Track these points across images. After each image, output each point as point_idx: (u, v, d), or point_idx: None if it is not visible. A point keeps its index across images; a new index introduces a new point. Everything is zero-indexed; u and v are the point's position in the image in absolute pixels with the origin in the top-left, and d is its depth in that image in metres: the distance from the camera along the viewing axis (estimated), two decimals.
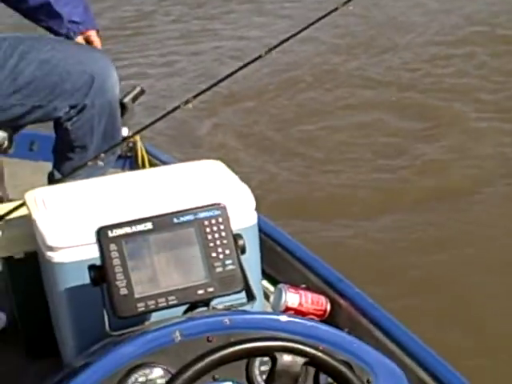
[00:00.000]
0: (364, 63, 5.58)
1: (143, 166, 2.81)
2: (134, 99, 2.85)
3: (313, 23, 2.06)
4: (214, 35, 6.52)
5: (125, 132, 2.82)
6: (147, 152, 2.87)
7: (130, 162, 2.92)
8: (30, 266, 1.91)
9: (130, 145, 2.85)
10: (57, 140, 2.44)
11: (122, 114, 2.80)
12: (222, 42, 6.34)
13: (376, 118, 4.73)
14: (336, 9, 2.09)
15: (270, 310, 2.18)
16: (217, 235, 1.59)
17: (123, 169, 2.93)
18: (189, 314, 1.60)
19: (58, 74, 2.27)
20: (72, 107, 2.29)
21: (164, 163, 2.75)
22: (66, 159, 2.42)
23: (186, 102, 1.95)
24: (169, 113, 1.99)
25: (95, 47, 2.47)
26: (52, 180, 2.42)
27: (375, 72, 5.40)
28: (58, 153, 2.46)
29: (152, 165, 2.80)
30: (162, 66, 5.96)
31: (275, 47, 2.02)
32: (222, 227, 1.60)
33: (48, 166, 2.55)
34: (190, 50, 6.22)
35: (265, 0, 7.17)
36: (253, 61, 2.00)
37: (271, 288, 2.30)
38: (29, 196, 1.83)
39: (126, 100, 2.82)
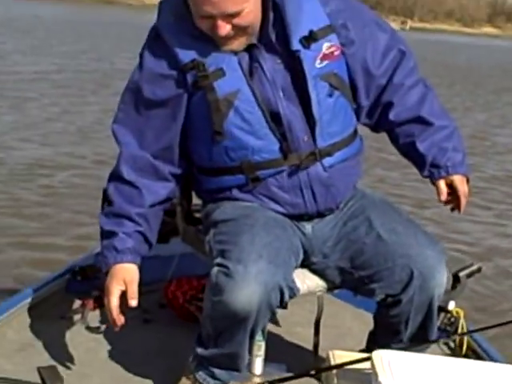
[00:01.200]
0: None
1: (460, 347, 2.67)
2: (469, 275, 2.77)
3: None
4: None
5: (451, 305, 2.73)
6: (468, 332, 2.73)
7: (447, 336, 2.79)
8: None
9: (452, 319, 2.74)
10: (374, 313, 2.37)
11: (454, 287, 2.73)
12: None
13: None
14: None
15: None
16: None
17: None
18: None
19: (385, 259, 2.18)
20: (389, 296, 2.21)
21: (484, 351, 2.60)
22: (381, 334, 2.35)
23: None
24: None
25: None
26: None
27: None
28: (374, 321, 2.39)
29: (469, 347, 2.66)
30: None
31: None
32: None
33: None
34: None
35: None
36: None
37: None
38: (376, 355, 1.77)
39: (461, 274, 2.75)
